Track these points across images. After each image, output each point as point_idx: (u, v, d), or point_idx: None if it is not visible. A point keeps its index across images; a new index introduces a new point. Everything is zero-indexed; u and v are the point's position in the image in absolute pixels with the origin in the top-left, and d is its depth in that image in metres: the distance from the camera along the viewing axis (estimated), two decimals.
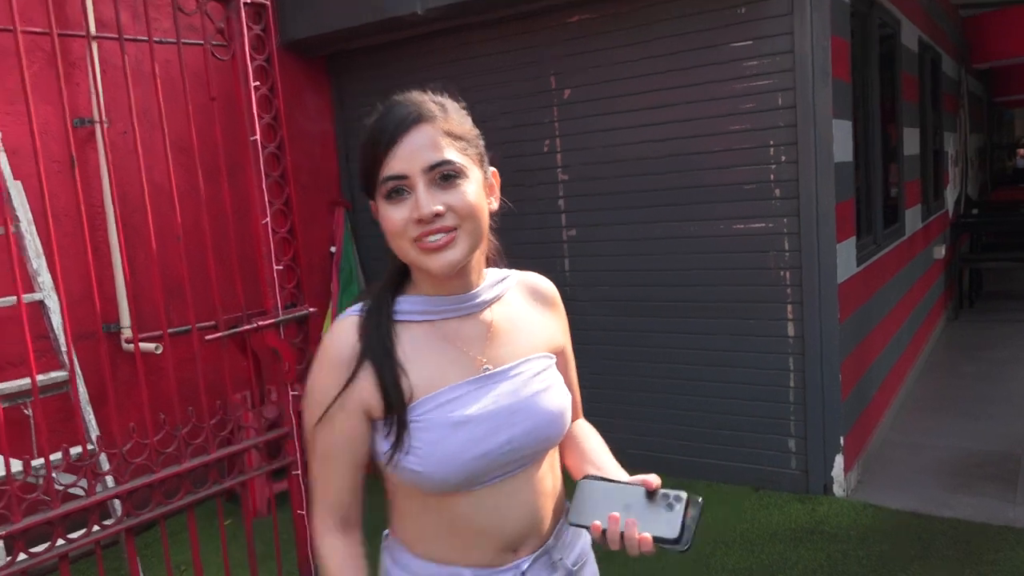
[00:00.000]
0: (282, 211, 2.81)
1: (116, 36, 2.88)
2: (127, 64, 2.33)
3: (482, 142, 1.16)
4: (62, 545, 2.19)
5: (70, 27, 3.81)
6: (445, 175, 1.07)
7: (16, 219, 3.38)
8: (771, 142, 3.69)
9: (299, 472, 2.94)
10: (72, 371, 2.38)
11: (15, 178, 3.50)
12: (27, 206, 3.42)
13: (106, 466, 2.85)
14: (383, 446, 1.10)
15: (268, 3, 2.72)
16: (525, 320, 1.20)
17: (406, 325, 1.14)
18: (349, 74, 5.02)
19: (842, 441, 3.73)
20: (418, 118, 1.08)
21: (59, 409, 3.65)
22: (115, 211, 2.75)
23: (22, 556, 2.11)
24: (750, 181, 3.75)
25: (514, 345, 1.16)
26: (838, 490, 3.75)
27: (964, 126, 8.93)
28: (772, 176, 3.70)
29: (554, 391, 1.17)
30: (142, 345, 3.79)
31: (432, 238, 1.06)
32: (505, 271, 1.23)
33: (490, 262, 1.21)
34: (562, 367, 1.25)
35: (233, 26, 2.65)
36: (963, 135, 8.91)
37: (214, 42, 2.62)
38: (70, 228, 3.80)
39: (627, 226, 4.04)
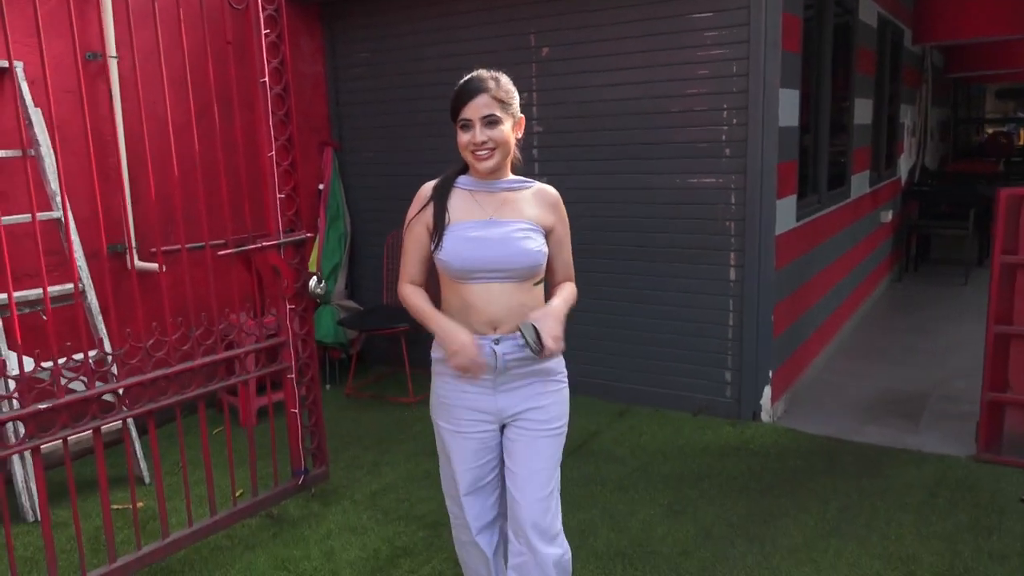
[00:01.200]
0: (285, 146, 3.19)
1: None
2: (155, 5, 2.67)
3: (517, 99, 2.06)
4: (65, 430, 2.56)
5: None
6: (490, 121, 2.01)
7: (36, 143, 3.71)
8: (724, 106, 4.09)
9: (293, 376, 3.36)
10: (77, 283, 2.77)
11: (35, 105, 3.82)
12: (46, 132, 3.75)
13: (113, 369, 3.25)
14: (432, 246, 2.09)
15: None
16: (527, 205, 2.10)
17: (458, 190, 2.11)
18: (342, 21, 5.32)
19: (771, 375, 4.22)
20: (481, 89, 2.00)
21: (76, 318, 4.03)
22: (124, 140, 3.10)
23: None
24: (704, 140, 4.16)
25: (515, 213, 2.08)
26: (765, 417, 4.26)
27: (925, 100, 9.36)
28: (724, 137, 4.12)
29: (529, 241, 2.04)
30: (148, 264, 4.17)
31: (480, 152, 2.03)
32: (530, 180, 2.14)
33: (515, 168, 2.14)
34: (554, 244, 2.13)
35: None
36: (923, 108, 9.35)
37: None
38: (97, 153, 4.13)
39: (593, 176, 4.44)
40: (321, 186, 5.43)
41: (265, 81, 3.04)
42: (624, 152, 4.39)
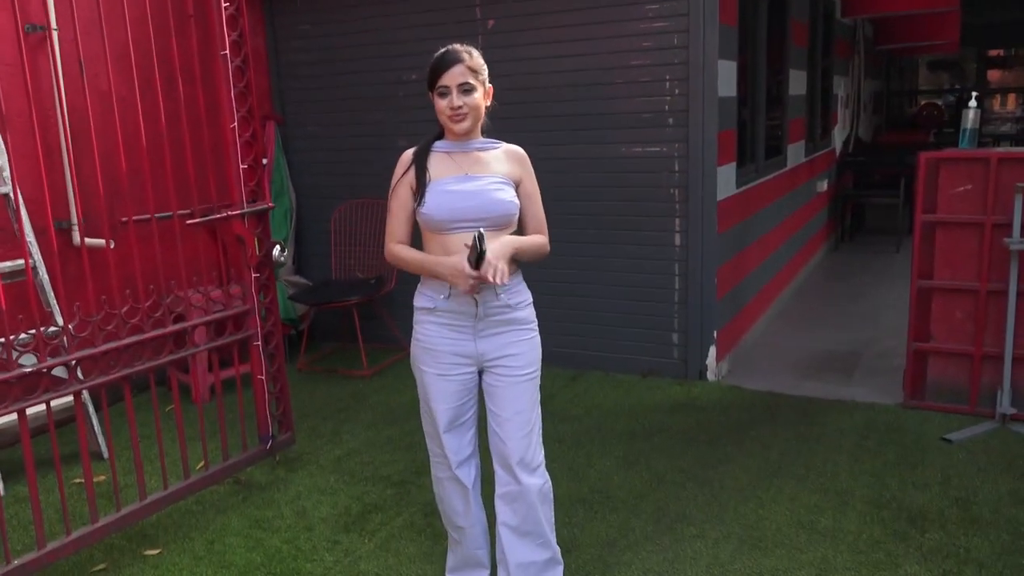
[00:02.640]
0: (246, 118, 3.41)
1: None
2: None
3: (486, 71, 2.39)
4: (17, 404, 2.71)
5: None
6: (465, 89, 2.33)
7: None
8: (667, 77, 4.45)
9: (259, 344, 3.60)
10: (27, 259, 2.95)
11: None
12: None
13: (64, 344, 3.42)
14: (415, 204, 2.42)
15: None
16: (497, 162, 2.45)
17: (436, 153, 2.44)
18: None
19: (715, 335, 4.64)
20: (457, 60, 2.32)
21: (26, 295, 4.15)
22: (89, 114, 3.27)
23: None
24: (647, 110, 4.52)
25: (487, 169, 2.42)
26: (710, 376, 4.67)
27: (858, 71, 9.96)
28: (666, 107, 4.48)
29: (502, 192, 2.38)
30: (95, 241, 4.31)
31: (456, 115, 2.35)
32: (498, 141, 2.48)
33: (483, 130, 2.47)
34: (524, 197, 2.46)
35: None
36: (856, 80, 9.96)
37: None
38: (40, 128, 4.24)
39: (542, 147, 4.75)
40: (264, 161, 5.60)
41: (226, 54, 3.26)
42: (571, 123, 4.71)
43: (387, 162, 5.19)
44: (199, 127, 3.32)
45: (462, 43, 2.45)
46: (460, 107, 2.33)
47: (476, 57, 2.37)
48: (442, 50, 2.36)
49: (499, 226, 2.37)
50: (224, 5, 3.23)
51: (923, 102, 17.93)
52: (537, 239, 2.48)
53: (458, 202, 2.33)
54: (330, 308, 5.22)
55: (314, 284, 5.55)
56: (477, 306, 2.38)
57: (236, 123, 3.33)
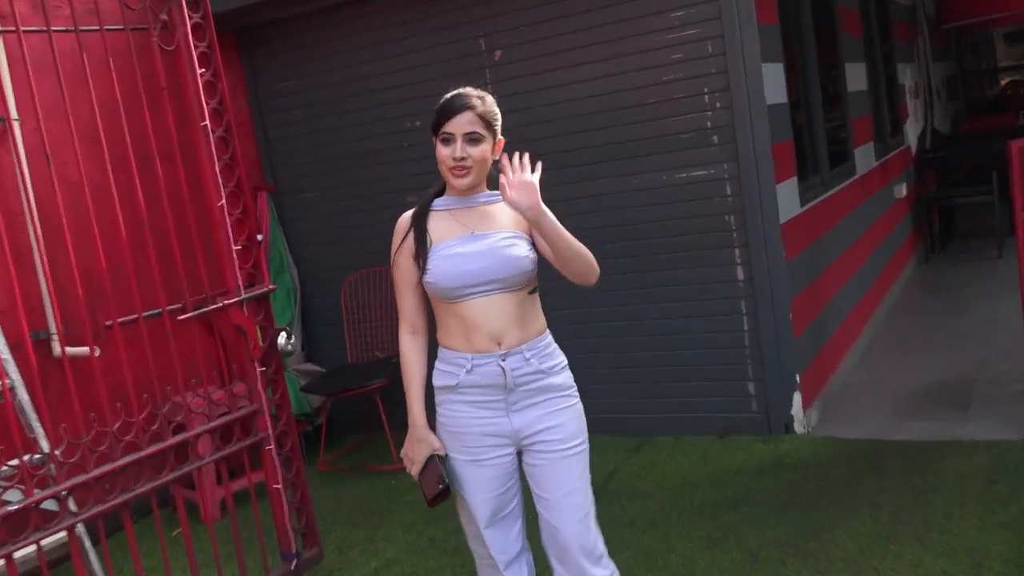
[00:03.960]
0: (234, 193, 3.49)
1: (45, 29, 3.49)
2: (83, 55, 2.96)
3: (500, 120, 2.47)
4: (4, 548, 2.72)
5: None
6: (472, 139, 2.40)
7: None
8: (705, 89, 4.48)
9: (272, 448, 3.62)
10: (3, 380, 3.00)
11: None
12: None
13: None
14: (419, 274, 2.46)
15: None
16: (505, 215, 2.49)
17: (436, 213, 2.50)
18: (262, 47, 5.65)
19: (798, 379, 4.57)
20: (467, 106, 2.39)
21: (6, 419, 4.22)
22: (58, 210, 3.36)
23: None
24: (687, 130, 4.54)
25: (496, 224, 2.47)
26: (799, 427, 4.59)
27: (924, 55, 9.96)
28: (709, 123, 4.50)
29: (515, 248, 2.43)
30: (78, 349, 4.39)
31: (457, 169, 2.41)
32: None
33: (490, 180, 2.52)
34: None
35: (175, 16, 3.31)
36: (924, 64, 9.95)
37: (131, 27, 3.23)
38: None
39: (569, 185, 4.79)
40: (259, 237, 5.70)
41: (206, 124, 3.35)
42: (601, 154, 4.75)
43: (394, 223, 5.31)
44: (183, 208, 3.40)
45: (472, 84, 2.51)
46: (463, 159, 2.39)
47: (489, 104, 2.44)
48: (452, 93, 2.44)
49: (516, 287, 2.42)
50: (200, 72, 3.33)
51: (1005, 80, 17.84)
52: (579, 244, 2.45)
53: (466, 265, 2.39)
54: (349, 396, 5.23)
55: (328, 371, 5.58)
56: (505, 375, 2.41)
57: (224, 199, 3.40)
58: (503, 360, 2.40)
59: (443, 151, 2.40)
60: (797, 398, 4.58)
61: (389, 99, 5.26)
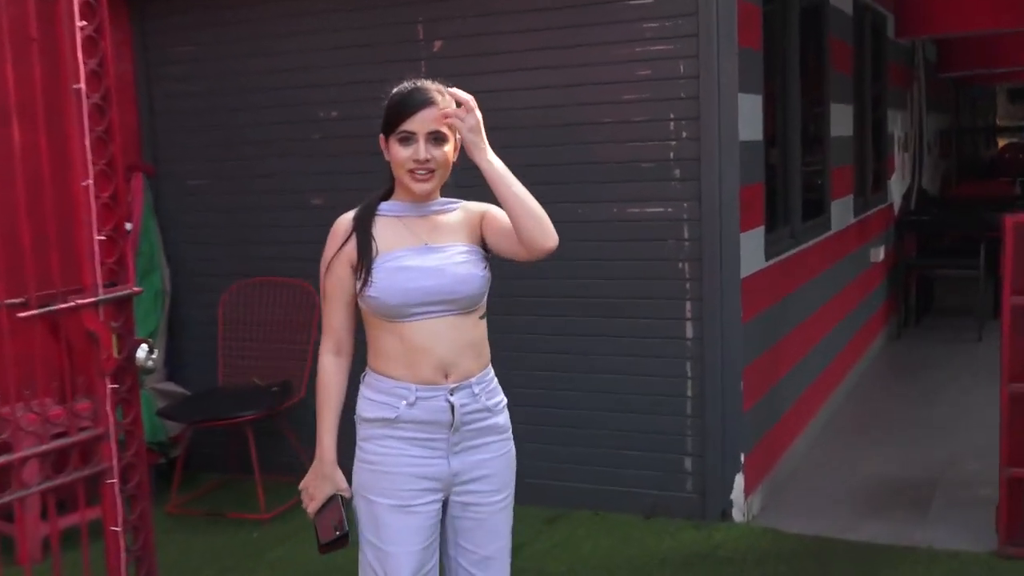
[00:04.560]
0: (105, 172, 3.40)
1: None
2: None
3: None
4: None
5: None
6: (437, 138, 2.45)
7: None
8: (671, 115, 4.56)
9: (115, 482, 3.51)
10: None
11: None
12: None
13: None
14: (358, 286, 2.49)
15: None
16: (459, 226, 2.59)
17: (382, 218, 2.55)
18: (157, 3, 5.56)
19: (743, 459, 4.64)
20: (429, 101, 2.43)
21: None
22: None
23: None
24: (646, 159, 4.61)
25: (451, 236, 2.55)
26: (738, 515, 4.65)
27: (919, 103, 10.31)
28: (671, 154, 4.57)
29: (469, 265, 2.51)
30: None
31: (419, 172, 2.46)
32: (456, 200, 2.63)
33: (443, 190, 2.59)
34: (491, 220, 2.57)
35: None
36: (917, 114, 10.30)
37: None
38: None
39: None
40: (129, 226, 5.58)
41: (80, 88, 3.26)
42: (543, 175, 4.74)
43: (295, 228, 5.27)
44: (40, 186, 3.30)
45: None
46: (427, 161, 2.44)
47: (449, 100, 2.47)
48: (408, 85, 2.48)
49: (467, 309, 2.50)
50: (80, 25, 3.25)
51: (1003, 142, 18.54)
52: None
53: (416, 280, 2.44)
54: (215, 427, 5.14)
55: (193, 394, 5.48)
56: (453, 413, 2.48)
57: (92, 179, 3.31)
58: (451, 395, 2.48)
59: (401, 152, 2.45)
60: (739, 480, 4.64)
61: (304, 81, 5.22)
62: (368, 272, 2.45)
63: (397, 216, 2.54)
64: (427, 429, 2.48)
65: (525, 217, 2.44)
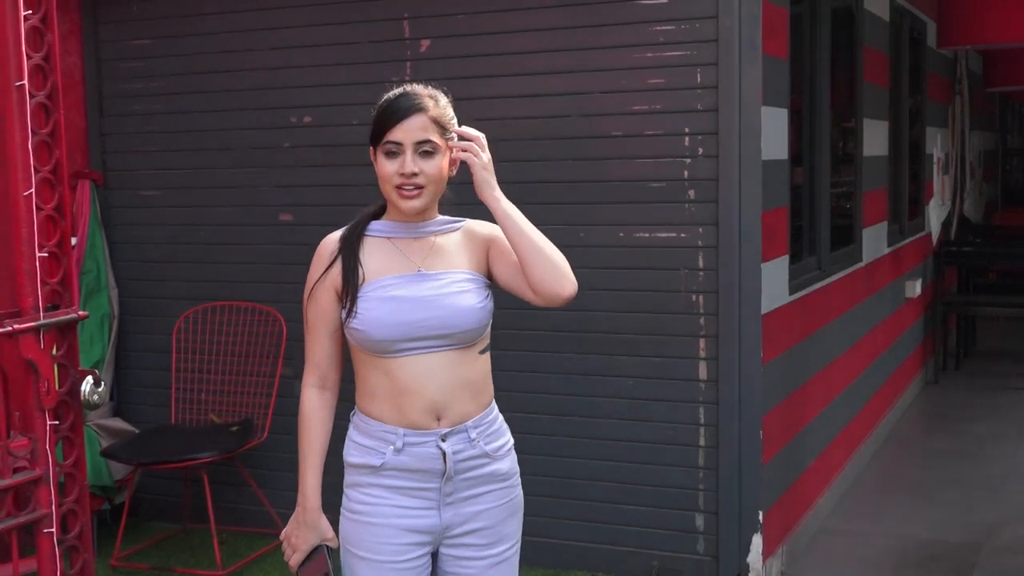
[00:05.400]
0: (49, 180, 3.39)
1: None
2: None
3: (456, 125, 2.52)
4: None
5: None
6: (425, 151, 2.42)
7: None
8: (686, 129, 4.56)
9: (53, 531, 3.48)
10: None
11: None
12: None
13: None
14: (343, 315, 2.48)
15: None
16: (460, 248, 2.57)
17: (372, 239, 2.52)
18: None
19: (761, 517, 4.62)
20: (418, 108, 2.42)
21: None
22: None
23: None
24: (658, 178, 4.61)
25: (448, 261, 2.52)
26: None
27: (961, 121, 10.35)
28: (686, 173, 4.57)
29: (468, 296, 2.49)
30: None
31: (407, 188, 2.43)
32: (459, 219, 2.62)
33: (442, 207, 2.59)
34: (500, 250, 2.57)
35: None
36: (959, 133, 10.34)
37: None
38: None
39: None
40: (73, 242, 5.56)
41: (23, 84, 3.26)
42: (543, 194, 4.77)
43: (261, 246, 5.26)
44: None
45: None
46: (415, 175, 2.42)
47: (444, 106, 2.50)
48: (396, 91, 2.48)
49: (465, 344, 2.49)
50: (24, 14, 3.25)
51: None
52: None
53: (406, 313, 2.43)
54: (166, 469, 5.11)
55: (142, 432, 5.44)
56: (445, 461, 2.46)
57: (34, 188, 3.30)
58: (443, 440, 2.46)
59: (387, 166, 2.44)
60: (757, 542, 4.62)
61: (273, 82, 5.22)
62: (353, 301, 2.44)
63: (388, 237, 2.53)
64: (416, 478, 2.47)
65: (538, 263, 2.46)
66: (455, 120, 2.54)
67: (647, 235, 4.65)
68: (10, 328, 3.28)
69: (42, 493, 3.43)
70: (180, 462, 4.93)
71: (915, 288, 7.99)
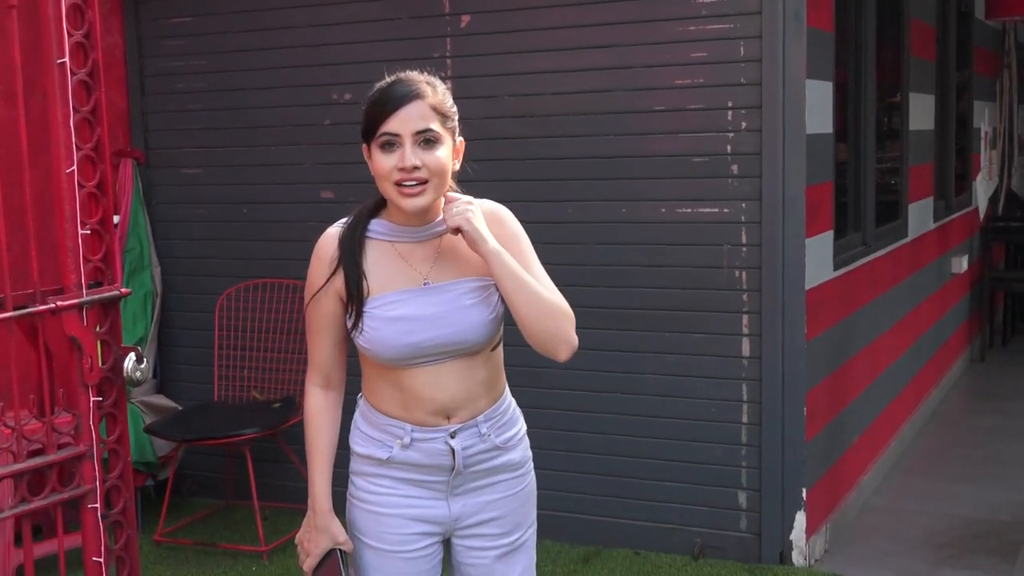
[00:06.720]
0: (91, 158, 3.40)
1: None
2: None
3: (457, 115, 2.35)
4: None
5: None
6: (426, 140, 2.24)
7: None
8: (729, 103, 4.51)
9: (98, 507, 3.51)
10: None
11: None
12: None
13: None
14: (348, 325, 2.40)
15: None
16: (467, 250, 2.33)
17: (373, 242, 2.37)
18: None
19: (804, 495, 4.58)
20: (414, 94, 2.24)
21: None
22: None
23: None
24: (700, 152, 4.56)
25: (457, 268, 2.36)
26: (798, 558, 4.60)
27: (1010, 94, 10.20)
28: (729, 147, 4.53)
29: (477, 309, 2.35)
30: None
31: (407, 184, 2.24)
32: (466, 204, 2.32)
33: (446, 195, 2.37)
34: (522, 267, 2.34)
35: None
36: (1008, 107, 10.18)
37: None
38: None
39: (540, 204, 4.77)
40: (116, 220, 5.60)
41: (64, 62, 3.26)
42: (583, 169, 4.74)
43: (303, 224, 5.27)
44: (18, 171, 3.30)
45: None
46: (417, 168, 2.24)
47: (442, 93, 2.32)
48: (387, 80, 2.32)
49: (475, 351, 2.39)
50: None
51: None
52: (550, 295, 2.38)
53: (414, 333, 2.31)
54: (209, 446, 5.15)
55: (185, 409, 5.49)
56: (454, 456, 2.40)
57: (75, 165, 3.31)
58: (452, 437, 2.39)
59: (384, 162, 2.26)
60: (800, 519, 4.59)
61: (314, 59, 5.21)
62: (359, 316, 2.33)
63: (390, 240, 2.38)
64: (423, 471, 2.42)
65: (534, 320, 2.31)
66: (455, 109, 2.35)
67: (690, 210, 4.61)
68: (53, 305, 3.30)
69: (86, 469, 3.46)
70: (223, 439, 4.96)
71: (962, 264, 7.90)
